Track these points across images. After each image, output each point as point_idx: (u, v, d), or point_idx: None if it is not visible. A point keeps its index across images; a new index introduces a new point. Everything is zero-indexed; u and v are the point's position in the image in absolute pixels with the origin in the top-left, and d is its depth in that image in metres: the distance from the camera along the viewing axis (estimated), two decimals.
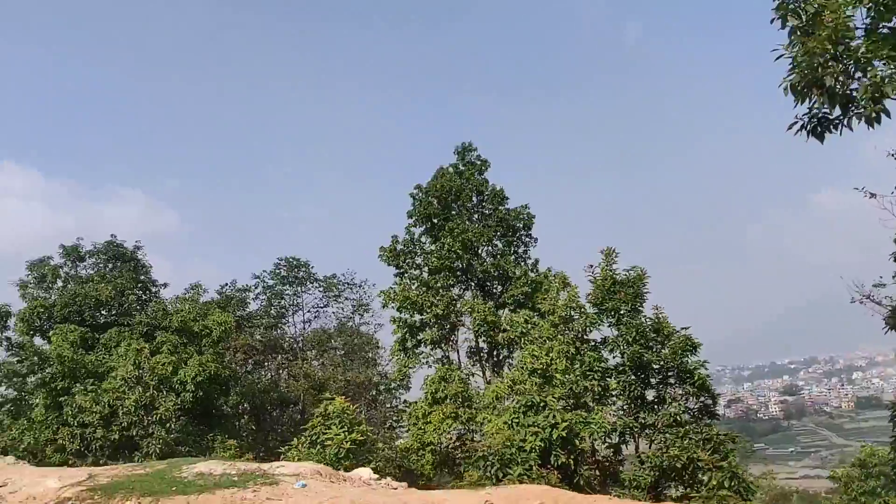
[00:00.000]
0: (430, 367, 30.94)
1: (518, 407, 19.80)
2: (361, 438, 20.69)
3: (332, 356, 33.68)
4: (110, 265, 32.11)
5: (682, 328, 21.44)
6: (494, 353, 30.97)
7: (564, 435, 18.99)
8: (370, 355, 37.78)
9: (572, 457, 19.43)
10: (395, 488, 14.77)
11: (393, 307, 30.57)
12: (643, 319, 21.56)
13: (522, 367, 21.50)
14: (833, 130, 11.48)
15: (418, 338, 30.99)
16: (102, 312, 29.63)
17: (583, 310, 22.44)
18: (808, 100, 11.30)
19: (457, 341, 31.25)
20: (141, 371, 24.81)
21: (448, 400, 26.76)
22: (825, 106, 10.76)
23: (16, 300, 29.84)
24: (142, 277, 32.32)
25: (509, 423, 19.65)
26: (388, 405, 37.71)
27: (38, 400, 27.30)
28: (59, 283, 30.88)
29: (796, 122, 12.05)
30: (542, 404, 19.53)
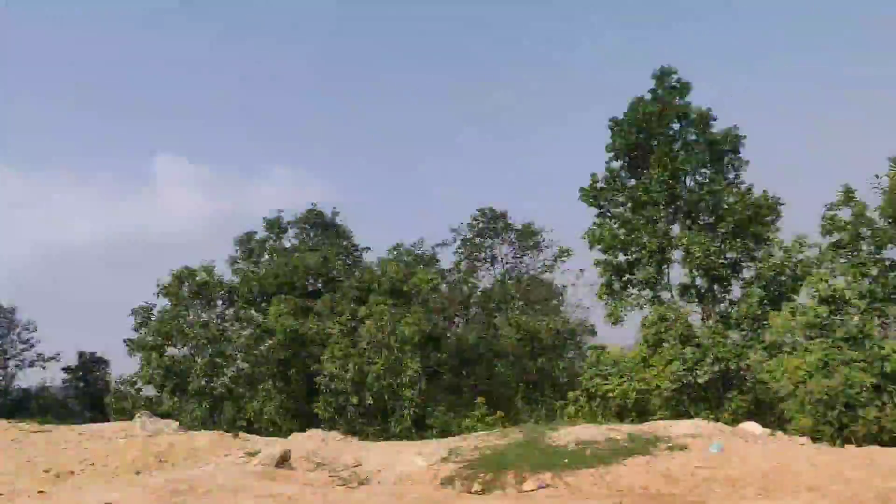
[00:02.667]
0: (641, 308, 29.55)
1: (832, 341, 17.65)
2: (645, 388, 19.32)
3: (543, 306, 32.56)
4: (312, 234, 31.81)
5: None
6: (714, 288, 29.10)
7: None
8: (554, 303, 36.55)
9: None
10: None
11: (599, 249, 29.25)
12: None
13: (814, 296, 19.27)
14: None
15: (625, 279, 29.61)
16: (310, 281, 29.38)
17: (873, 224, 19.96)
18: None
19: (668, 279, 29.59)
20: (383, 335, 24.36)
21: (673, 341, 25.48)
22: None
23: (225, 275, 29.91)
24: (344, 243, 31.86)
25: (823, 360, 17.41)
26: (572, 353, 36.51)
27: (263, 370, 27.58)
28: (266, 256, 30.89)
29: None
30: (860, 336, 17.36)
